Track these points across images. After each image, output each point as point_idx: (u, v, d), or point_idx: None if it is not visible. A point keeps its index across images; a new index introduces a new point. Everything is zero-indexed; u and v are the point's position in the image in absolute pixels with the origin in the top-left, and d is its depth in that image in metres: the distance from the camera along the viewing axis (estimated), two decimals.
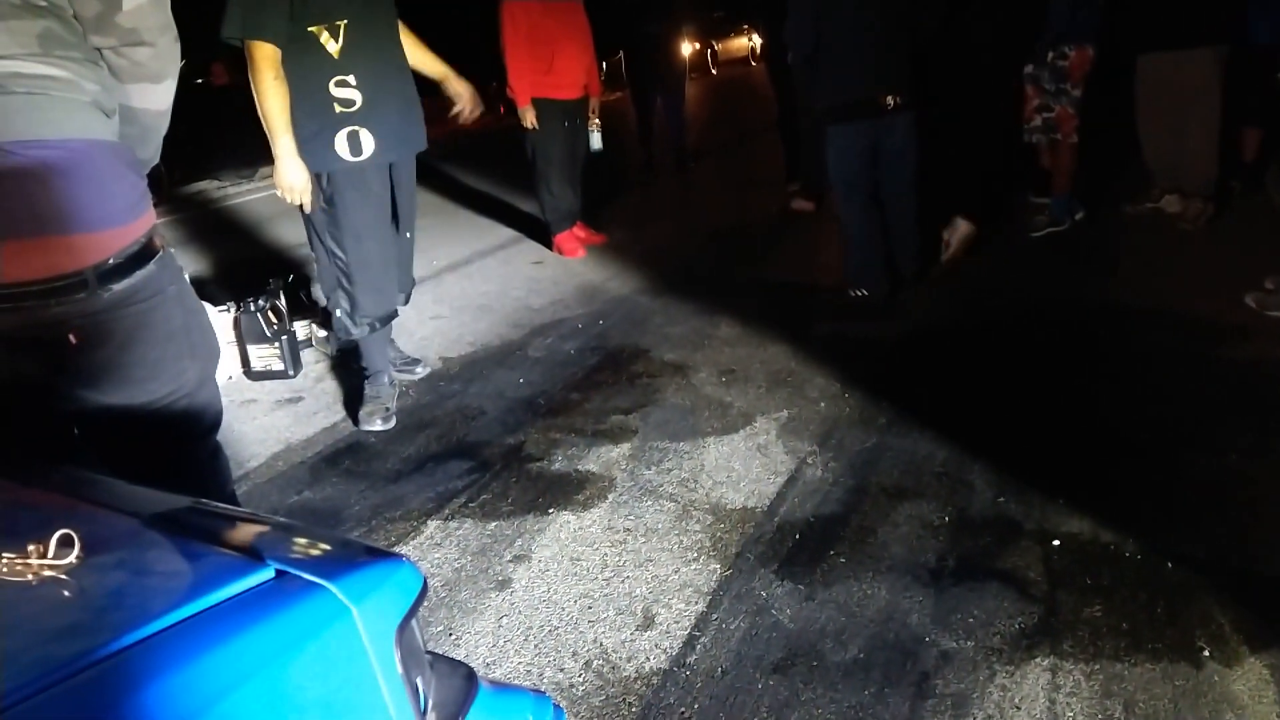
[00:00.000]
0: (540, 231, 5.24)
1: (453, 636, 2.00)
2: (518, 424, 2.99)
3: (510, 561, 2.25)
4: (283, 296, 3.62)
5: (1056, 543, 2.16)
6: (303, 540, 0.84)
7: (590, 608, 2.07)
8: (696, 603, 2.07)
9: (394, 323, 3.48)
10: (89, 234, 1.25)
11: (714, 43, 17.38)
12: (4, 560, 0.70)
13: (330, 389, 3.43)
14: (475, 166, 7.90)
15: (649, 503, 2.48)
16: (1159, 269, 3.93)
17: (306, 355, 3.68)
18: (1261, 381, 2.90)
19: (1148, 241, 4.35)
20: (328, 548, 0.84)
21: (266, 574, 0.74)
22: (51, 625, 0.66)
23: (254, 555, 0.77)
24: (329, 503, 2.58)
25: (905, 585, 2.08)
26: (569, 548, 2.30)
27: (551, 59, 4.56)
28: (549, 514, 2.45)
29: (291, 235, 6.04)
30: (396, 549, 2.32)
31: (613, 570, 2.20)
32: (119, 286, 1.29)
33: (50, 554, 0.71)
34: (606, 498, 2.52)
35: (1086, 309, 3.56)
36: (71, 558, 0.71)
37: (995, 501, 2.37)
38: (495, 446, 2.85)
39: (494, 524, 2.41)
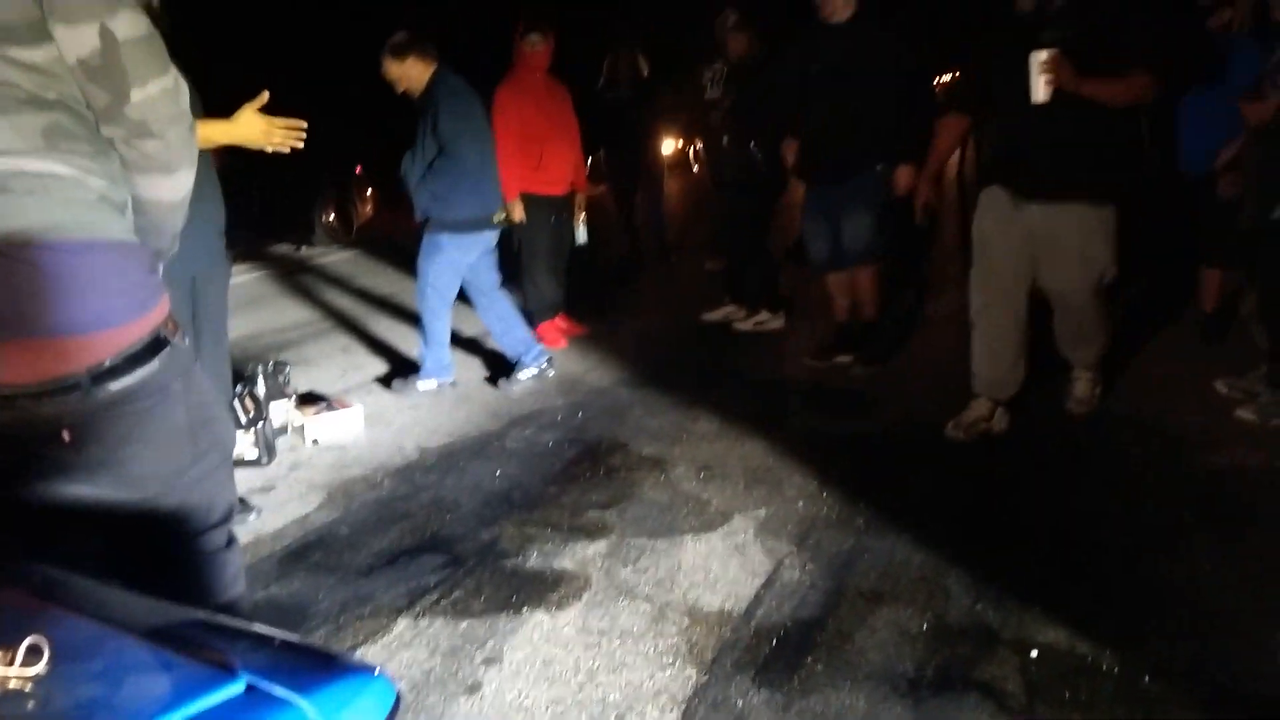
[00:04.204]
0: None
1: None
2: (493, 518, 2.96)
3: (481, 664, 2.20)
4: (261, 382, 3.61)
5: (1034, 653, 2.14)
6: (277, 650, 0.83)
7: (562, 714, 2.02)
8: (671, 711, 2.02)
9: (370, 412, 3.46)
10: (84, 336, 1.22)
11: (697, 140, 17.84)
12: None
13: (304, 477, 3.38)
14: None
15: (624, 603, 2.44)
16: (1135, 375, 4.00)
17: (281, 442, 3.64)
18: (1231, 489, 2.93)
19: (1123, 350, 4.44)
20: (302, 659, 0.82)
21: (237, 688, 0.73)
22: None
23: (226, 666, 0.75)
24: (296, 599, 2.52)
25: (884, 695, 2.04)
26: (542, 649, 2.25)
27: (540, 155, 4.67)
28: (522, 613, 2.40)
29: (286, 316, 6.06)
30: (364, 649, 2.27)
31: (586, 675, 2.15)
32: (116, 387, 1.25)
33: (18, 661, 0.69)
34: (581, 597, 2.48)
35: (1064, 412, 3.61)
36: (40, 666, 0.69)
37: (973, 608, 2.36)
38: (469, 541, 2.81)
39: (465, 623, 2.36)
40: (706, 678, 2.13)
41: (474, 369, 4.65)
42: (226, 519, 1.49)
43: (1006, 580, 2.45)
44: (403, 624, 2.37)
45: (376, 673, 0.82)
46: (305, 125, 2.27)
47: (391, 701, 0.80)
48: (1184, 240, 4.44)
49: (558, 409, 4.00)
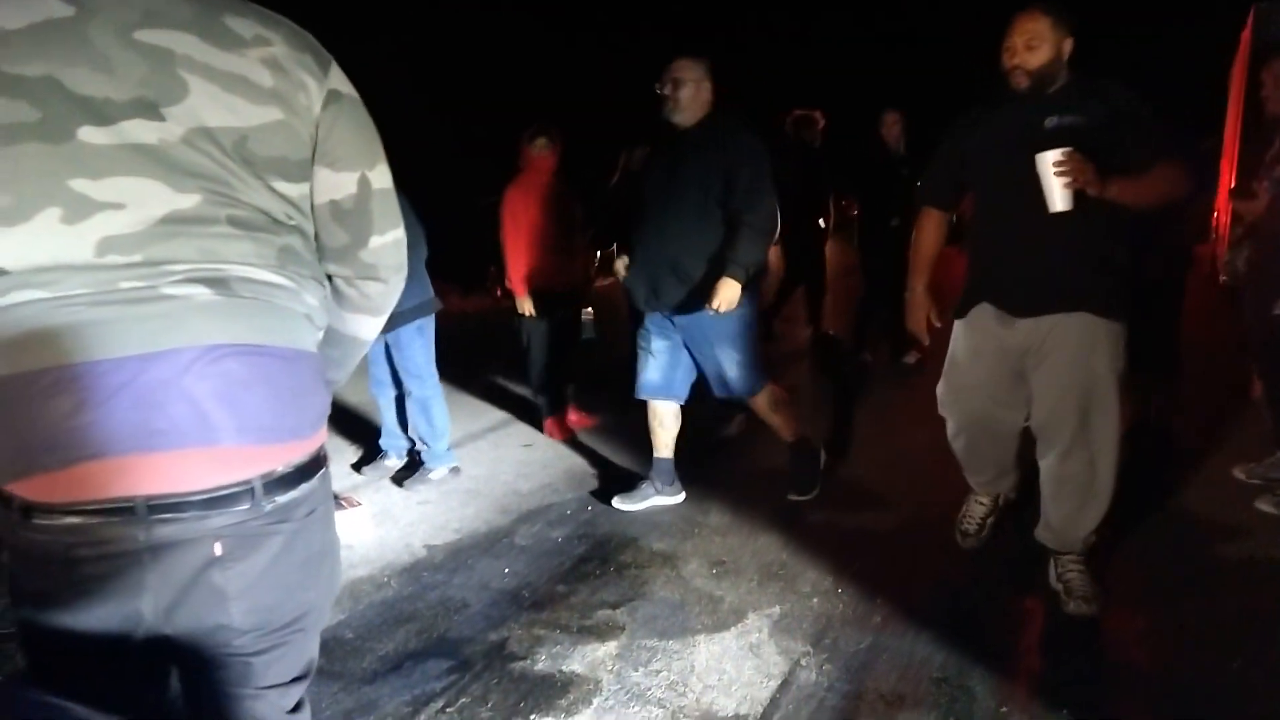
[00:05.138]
0: (531, 413, 5.27)
1: None
2: (501, 618, 2.89)
3: None
4: None
5: None
6: None
7: None
8: None
9: (377, 510, 3.42)
10: (270, 445, 1.20)
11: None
12: None
13: None
14: (468, 347, 8.05)
15: (636, 708, 2.36)
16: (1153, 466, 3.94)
17: None
18: (1258, 582, 2.85)
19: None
20: None
21: None
22: None
23: None
24: None
25: None
26: None
27: (542, 253, 4.77)
28: None
29: None
30: None
31: None
32: (282, 499, 1.22)
33: None
34: (592, 702, 2.40)
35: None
36: None
37: (998, 712, 2.27)
38: (477, 644, 2.74)
39: None
40: None
41: (481, 463, 4.62)
42: (309, 674, 1.39)
43: (1033, 681, 2.36)
44: None
45: None
46: None
47: None
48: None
49: (567, 503, 3.96)
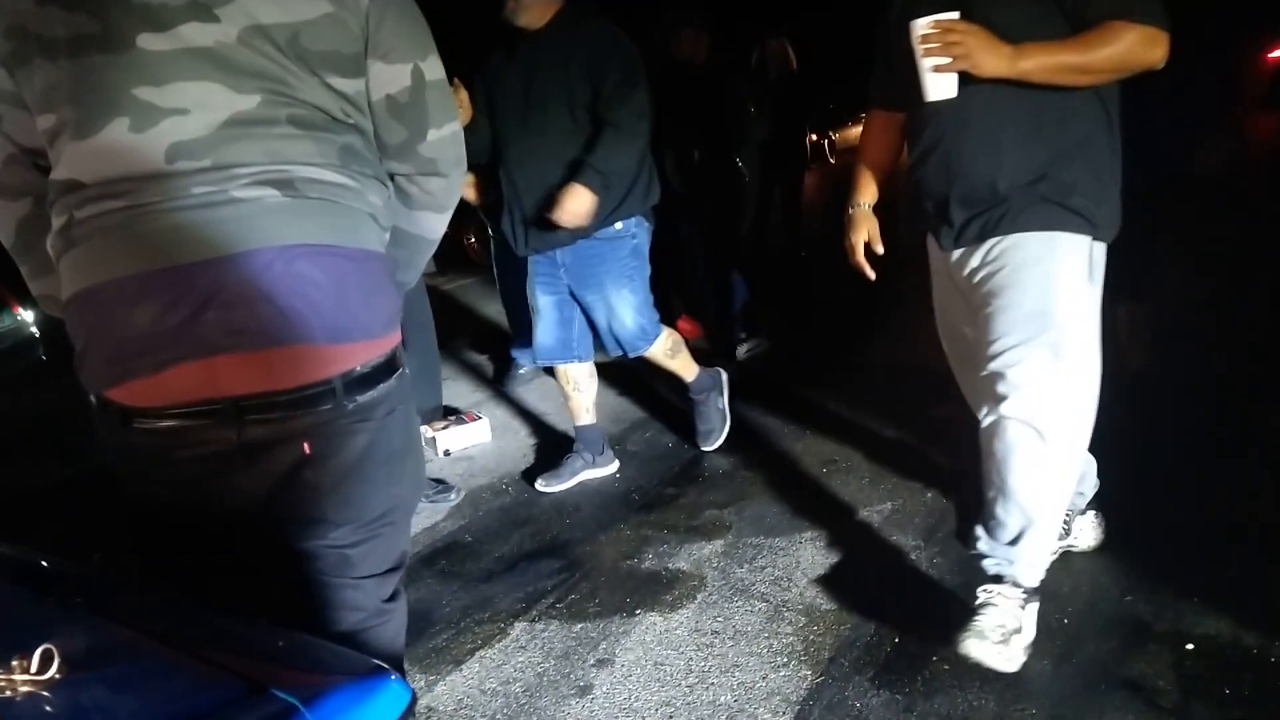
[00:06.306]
0: None
1: None
2: (611, 521, 2.96)
3: (593, 666, 2.19)
4: None
5: (1190, 646, 1.93)
6: (293, 655, 0.83)
7: (671, 717, 1.98)
8: (784, 713, 1.94)
9: (497, 423, 3.52)
10: (348, 344, 1.23)
11: (831, 133, 17.25)
12: None
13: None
14: None
15: (739, 603, 2.38)
16: None
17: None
18: None
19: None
20: (315, 663, 0.82)
21: (238, 691, 0.73)
22: None
23: (234, 671, 0.76)
24: (421, 604, 2.59)
25: (1016, 696, 1.89)
26: (654, 651, 2.22)
27: None
28: (635, 615, 2.38)
29: None
30: (482, 652, 2.31)
31: (697, 676, 2.10)
32: (363, 398, 1.26)
33: (33, 669, 0.72)
34: (695, 598, 2.43)
35: (1226, 384, 3.26)
36: (51, 672, 0.72)
37: (1121, 600, 2.15)
38: (587, 544, 2.82)
39: (580, 626, 2.36)
40: (823, 678, 2.04)
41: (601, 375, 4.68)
42: (403, 564, 1.45)
43: (1162, 571, 2.22)
44: (519, 627, 2.39)
45: (391, 677, 0.81)
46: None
47: (403, 707, 0.79)
48: None
49: (679, 410, 3.97)
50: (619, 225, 2.97)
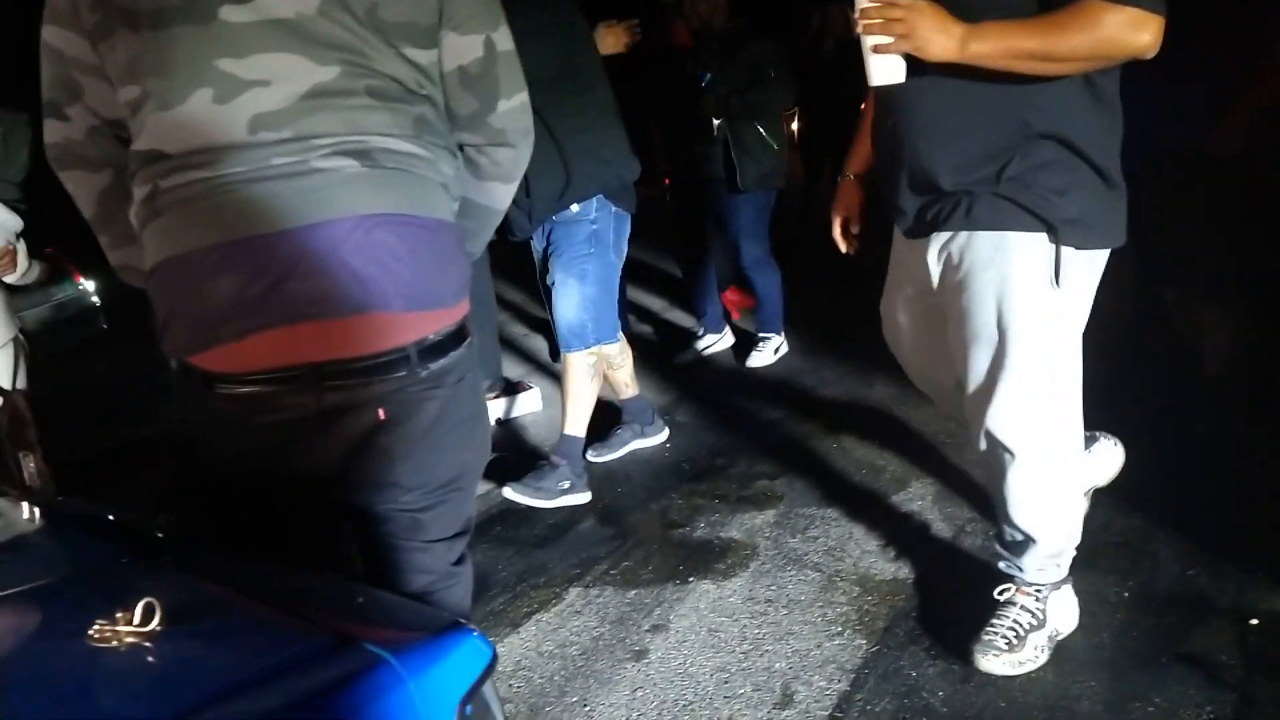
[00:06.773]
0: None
1: (587, 708, 1.98)
2: (662, 490, 2.98)
3: (648, 631, 2.22)
4: None
5: (1255, 621, 1.91)
6: (376, 611, 0.86)
7: (727, 682, 2.00)
8: (839, 681, 1.95)
9: (548, 393, 3.54)
10: (422, 312, 1.26)
11: None
12: (96, 626, 0.75)
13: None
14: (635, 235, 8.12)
15: (792, 572, 2.39)
16: None
17: None
18: None
19: None
20: (398, 619, 0.85)
21: (329, 644, 0.76)
22: (129, 690, 0.70)
23: (323, 625, 0.79)
24: (478, 568, 2.59)
25: (1075, 668, 1.88)
26: (708, 618, 2.24)
27: None
28: (689, 582, 2.40)
29: None
30: (538, 616, 2.35)
31: (751, 643, 2.12)
32: (435, 365, 1.28)
33: (136, 621, 0.76)
34: (748, 566, 2.45)
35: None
36: (154, 625, 0.76)
37: (1183, 575, 2.13)
38: (639, 513, 2.85)
39: (634, 592, 2.39)
40: (878, 647, 2.05)
41: (649, 342, 4.69)
42: (469, 530, 1.49)
43: (1225, 545, 2.19)
44: (574, 592, 2.43)
45: (474, 632, 0.84)
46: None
47: (485, 661, 0.81)
48: None
49: (730, 380, 3.97)
50: (575, 208, 2.74)
